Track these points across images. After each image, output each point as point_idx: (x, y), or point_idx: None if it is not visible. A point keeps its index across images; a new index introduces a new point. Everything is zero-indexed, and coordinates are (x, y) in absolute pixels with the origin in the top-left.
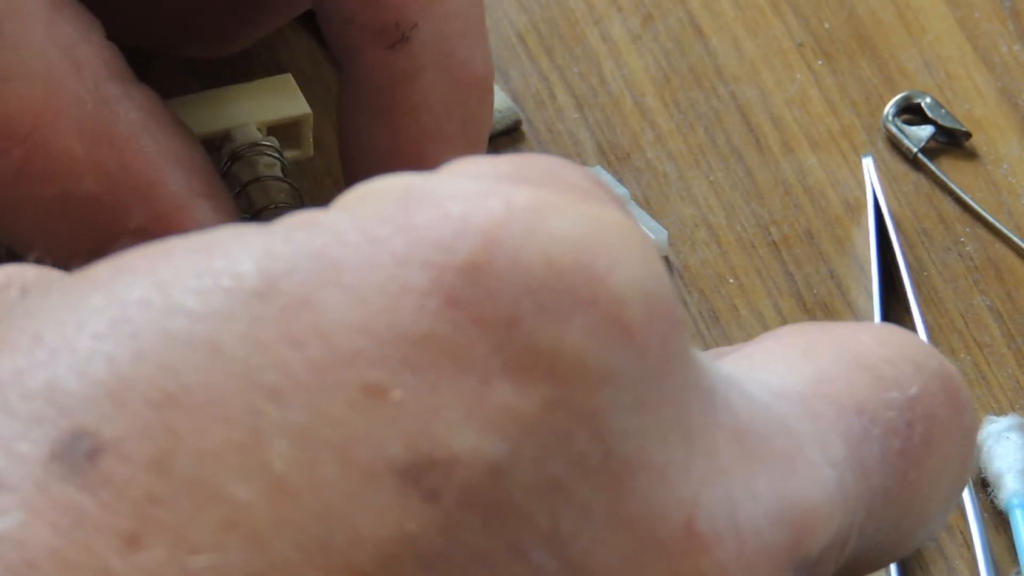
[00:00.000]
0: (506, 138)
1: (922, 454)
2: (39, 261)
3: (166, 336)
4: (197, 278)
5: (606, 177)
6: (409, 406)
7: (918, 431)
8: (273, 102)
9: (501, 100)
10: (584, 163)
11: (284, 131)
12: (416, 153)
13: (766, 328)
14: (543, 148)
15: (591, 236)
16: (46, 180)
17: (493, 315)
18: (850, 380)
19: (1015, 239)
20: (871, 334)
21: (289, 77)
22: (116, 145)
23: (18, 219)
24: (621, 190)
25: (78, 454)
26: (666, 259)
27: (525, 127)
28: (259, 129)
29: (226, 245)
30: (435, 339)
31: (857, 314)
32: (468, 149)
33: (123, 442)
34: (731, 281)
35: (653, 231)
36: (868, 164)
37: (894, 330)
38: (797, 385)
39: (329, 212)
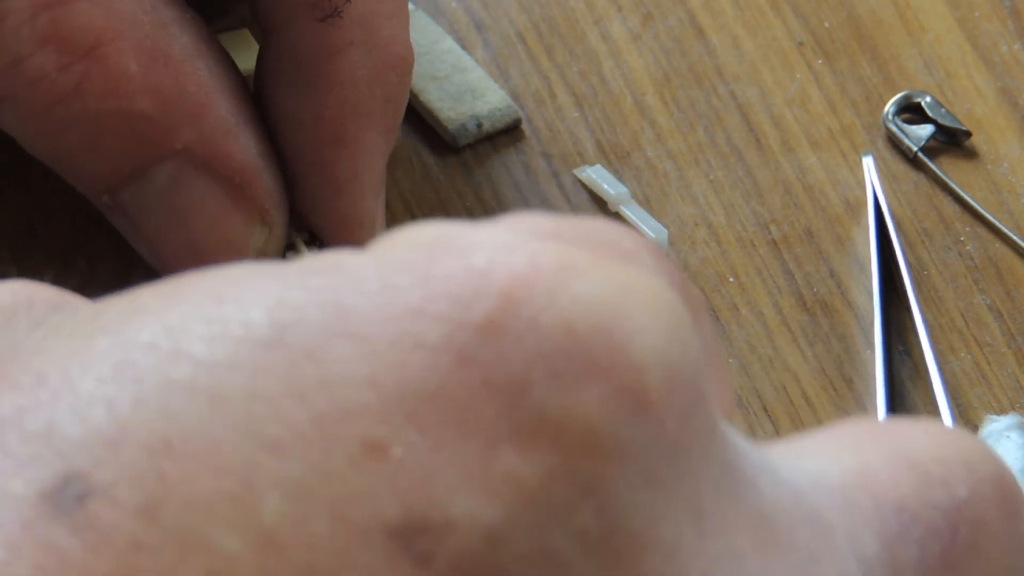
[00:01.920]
0: (506, 137)
1: (966, 559)
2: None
3: (169, 383)
4: (206, 324)
5: (606, 176)
6: (409, 465)
7: (963, 535)
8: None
9: (501, 98)
10: (584, 162)
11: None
12: (336, 127)
13: (766, 327)
14: (543, 147)
15: (615, 300)
16: (102, 96)
17: (505, 377)
18: (895, 476)
19: (1015, 238)
20: (925, 432)
21: (246, 31)
22: (171, 66)
23: (69, 135)
24: (621, 188)
25: (68, 497)
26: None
27: (525, 126)
28: None
29: (239, 290)
30: (443, 398)
31: (857, 313)
32: (385, 127)
33: (113, 487)
34: (731, 280)
35: (653, 230)
36: (868, 163)
37: (950, 430)
38: (837, 475)
39: (356, 255)
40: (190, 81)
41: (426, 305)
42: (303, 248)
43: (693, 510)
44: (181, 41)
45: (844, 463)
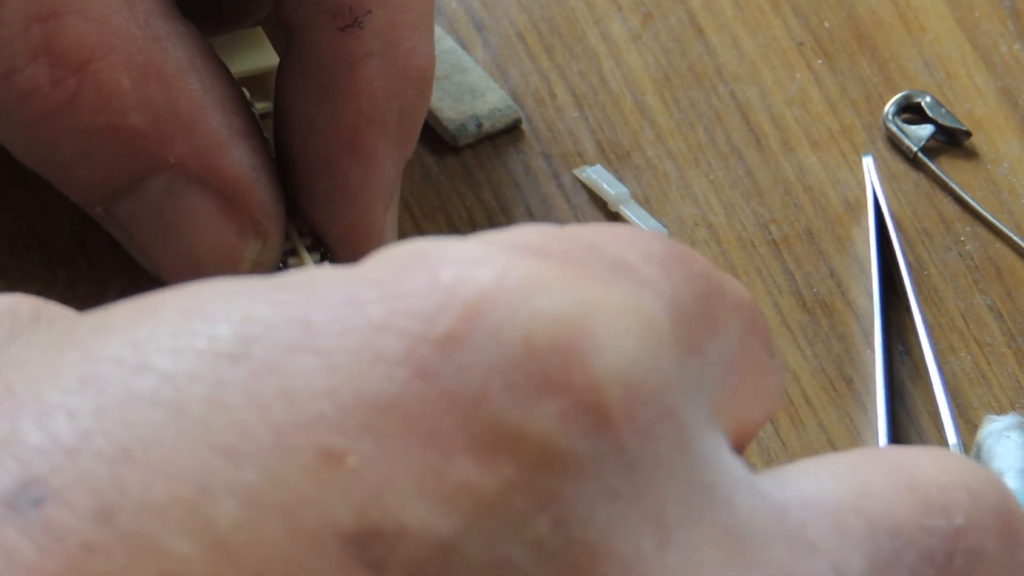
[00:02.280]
0: (506, 137)
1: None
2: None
3: (131, 394)
4: (173, 338)
5: (606, 176)
6: (364, 474)
7: (958, 563)
8: (243, 55)
9: (501, 98)
10: (584, 162)
11: (254, 83)
12: (350, 136)
13: None
14: (543, 147)
15: (578, 316)
16: (95, 111)
17: (462, 389)
18: (893, 499)
19: (1015, 238)
20: (931, 458)
21: (259, 29)
22: (163, 81)
23: (62, 148)
24: (621, 188)
25: (26, 500)
26: None
27: (525, 126)
28: None
29: (209, 306)
30: (400, 408)
31: (857, 313)
32: (400, 138)
33: (68, 491)
34: None
35: (653, 230)
36: (868, 163)
37: (958, 458)
38: (833, 496)
39: (327, 270)
40: (182, 96)
41: (389, 319)
42: (306, 255)
43: (654, 524)
44: (174, 56)
45: (844, 483)
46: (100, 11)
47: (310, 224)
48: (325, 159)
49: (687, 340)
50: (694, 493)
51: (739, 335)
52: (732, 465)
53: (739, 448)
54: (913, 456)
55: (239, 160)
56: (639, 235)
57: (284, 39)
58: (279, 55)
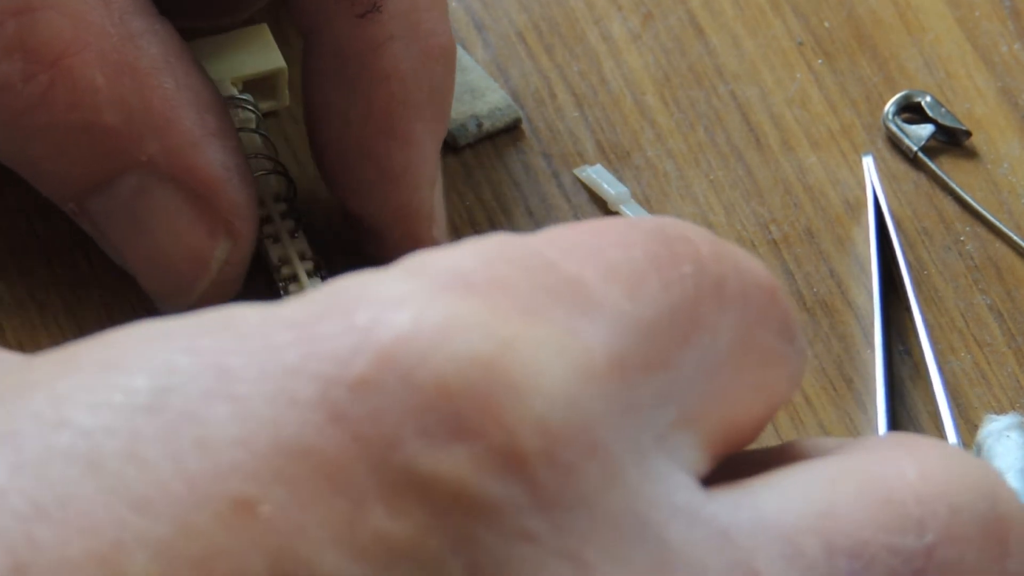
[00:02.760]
0: (506, 137)
1: None
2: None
3: (48, 450)
4: (91, 393)
5: (606, 176)
6: (276, 523)
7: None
8: (248, 56)
9: (501, 98)
10: (584, 162)
11: (259, 83)
12: (385, 121)
13: None
14: (543, 147)
15: (494, 358)
16: (67, 108)
17: (375, 434)
18: (862, 517)
19: (1015, 238)
20: (919, 464)
21: (264, 27)
22: (137, 79)
23: (34, 144)
24: (621, 188)
25: None
26: None
27: (525, 125)
28: (234, 84)
29: (128, 357)
30: (313, 455)
31: (857, 313)
32: (433, 116)
33: None
34: None
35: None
36: (868, 163)
37: (949, 461)
38: (793, 515)
39: (247, 310)
40: (156, 94)
41: (304, 363)
42: (305, 279)
43: (574, 563)
44: (149, 53)
45: (811, 499)
46: (75, 7)
47: (308, 248)
48: (364, 148)
49: (642, 361)
50: (621, 528)
51: (737, 330)
52: (676, 489)
53: (740, 445)
54: (899, 462)
55: (212, 160)
56: (619, 240)
57: (300, 37)
58: (284, 57)
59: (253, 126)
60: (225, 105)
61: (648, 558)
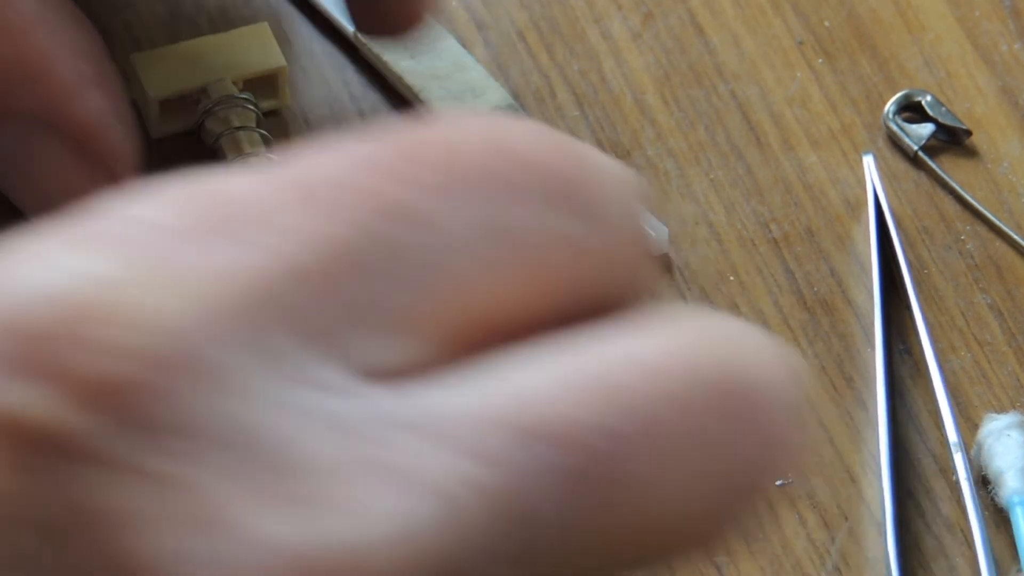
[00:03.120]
0: None
1: (642, 476)
2: None
3: None
4: None
5: None
6: None
7: (642, 454)
8: (248, 54)
9: (501, 97)
10: None
11: (260, 82)
12: None
13: (766, 326)
14: None
15: (87, 300)
16: None
17: None
18: (564, 404)
19: (1015, 237)
20: (660, 340)
21: (264, 26)
22: (9, 33)
23: None
24: None
25: None
26: (666, 257)
27: None
28: (235, 83)
29: None
30: None
31: (857, 312)
32: None
33: None
34: (731, 279)
35: (653, 228)
36: (868, 162)
37: (704, 330)
38: (476, 406)
39: None
40: (29, 47)
41: None
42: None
43: (161, 482)
44: (23, 8)
45: (512, 386)
46: None
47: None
48: None
49: (313, 279)
50: (229, 442)
51: (474, 220)
52: (300, 401)
53: (513, 326)
54: (641, 341)
55: (89, 108)
56: (346, 163)
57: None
58: (284, 56)
59: (254, 124)
60: (105, 54)
61: (260, 471)
